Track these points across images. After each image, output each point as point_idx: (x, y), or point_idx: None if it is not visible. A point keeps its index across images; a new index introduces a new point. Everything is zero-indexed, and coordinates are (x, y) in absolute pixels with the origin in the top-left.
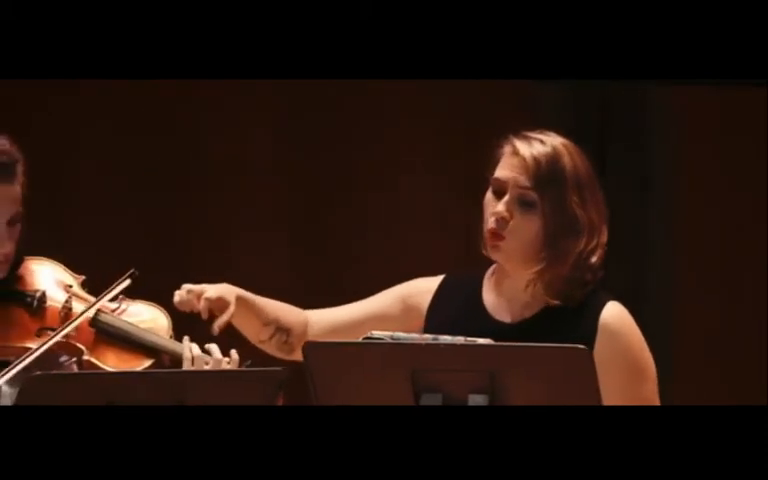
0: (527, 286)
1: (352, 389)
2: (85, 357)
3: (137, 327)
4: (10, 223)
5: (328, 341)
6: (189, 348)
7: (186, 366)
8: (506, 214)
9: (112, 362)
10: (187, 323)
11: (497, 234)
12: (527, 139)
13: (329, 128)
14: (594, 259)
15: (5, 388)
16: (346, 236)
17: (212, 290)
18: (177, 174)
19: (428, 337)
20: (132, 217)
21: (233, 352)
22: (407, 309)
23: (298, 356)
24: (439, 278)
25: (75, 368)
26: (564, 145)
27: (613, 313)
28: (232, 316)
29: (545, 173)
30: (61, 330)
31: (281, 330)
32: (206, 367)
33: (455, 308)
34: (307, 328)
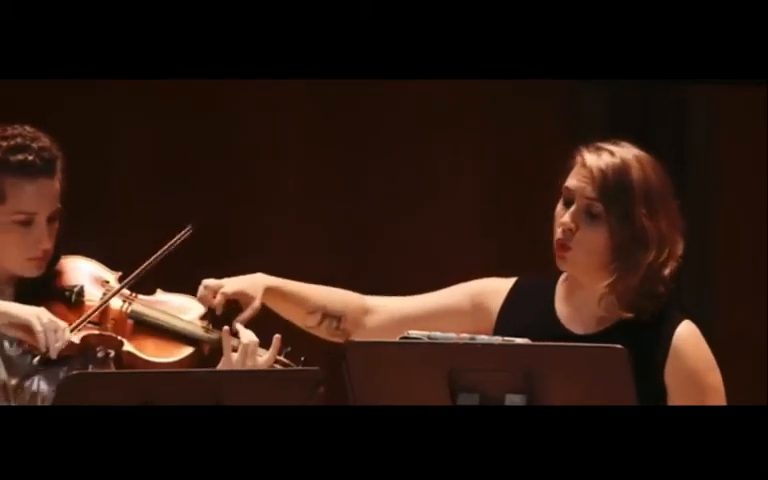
0: (600, 299)
1: (389, 389)
2: (125, 348)
3: (175, 317)
4: (50, 220)
5: (368, 341)
6: (228, 337)
7: (225, 355)
8: (572, 225)
9: (151, 352)
10: (225, 313)
11: (563, 245)
12: (597, 150)
13: (366, 124)
14: (666, 271)
15: (43, 386)
16: (383, 229)
17: (230, 285)
18: (213, 167)
19: (465, 336)
20: (168, 211)
21: (276, 337)
22: (477, 308)
23: (357, 339)
24: (511, 280)
25: (112, 363)
26: (636, 157)
27: (686, 334)
28: (256, 311)
29: (611, 185)
30: (100, 306)
31: (330, 317)
32: (237, 356)
33: (528, 315)
34: (367, 315)
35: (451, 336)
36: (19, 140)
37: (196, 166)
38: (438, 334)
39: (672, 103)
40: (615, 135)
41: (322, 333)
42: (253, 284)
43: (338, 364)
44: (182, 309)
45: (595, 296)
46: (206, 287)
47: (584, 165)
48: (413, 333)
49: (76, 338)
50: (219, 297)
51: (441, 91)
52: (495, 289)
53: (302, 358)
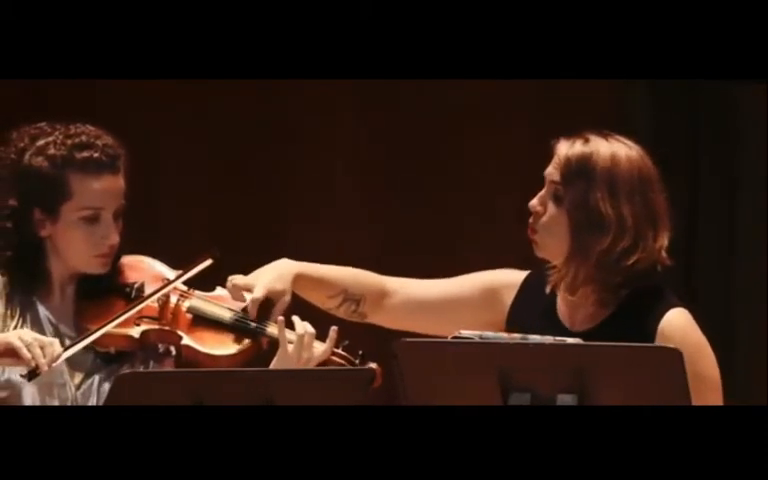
0: (556, 284)
1: (441, 388)
2: (183, 342)
3: (233, 310)
4: (115, 216)
5: (419, 340)
6: (283, 330)
7: (282, 347)
8: (539, 208)
9: (210, 345)
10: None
11: (531, 228)
12: (574, 138)
13: (413, 121)
14: (627, 261)
15: (105, 383)
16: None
17: (259, 289)
18: (269, 165)
19: (517, 336)
20: (225, 210)
21: (332, 329)
22: (491, 300)
23: (372, 321)
24: (524, 274)
25: (173, 359)
26: (612, 147)
27: (672, 322)
28: (287, 304)
29: (573, 168)
30: (134, 306)
31: (350, 300)
32: (292, 348)
33: (534, 311)
34: (385, 298)
35: (502, 336)
36: (84, 138)
37: (256, 160)
38: (489, 334)
39: (719, 102)
40: (661, 134)
41: (340, 314)
42: (281, 277)
43: (389, 364)
44: (240, 304)
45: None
46: (234, 286)
47: (557, 152)
48: (465, 332)
49: (136, 334)
50: (251, 306)
51: (488, 89)
52: (508, 283)
53: (360, 352)
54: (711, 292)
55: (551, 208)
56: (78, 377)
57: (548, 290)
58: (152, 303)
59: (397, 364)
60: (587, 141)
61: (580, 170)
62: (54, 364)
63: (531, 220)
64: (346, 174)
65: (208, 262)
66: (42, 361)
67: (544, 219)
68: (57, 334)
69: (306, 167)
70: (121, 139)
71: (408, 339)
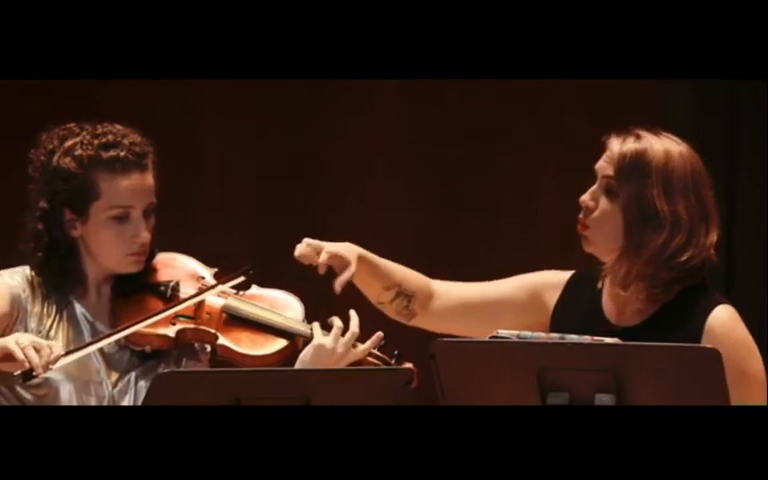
0: (604, 277)
1: (478, 388)
2: (219, 342)
3: (269, 310)
4: (146, 214)
5: (457, 340)
6: (319, 331)
7: (317, 340)
8: (591, 203)
9: (246, 345)
10: (319, 310)
11: (582, 223)
12: (626, 134)
13: (461, 122)
14: (681, 258)
15: (141, 381)
16: (475, 224)
17: (333, 246)
18: (306, 164)
19: (555, 336)
20: (262, 208)
21: (378, 334)
22: (535, 301)
23: (417, 323)
24: (568, 274)
25: (209, 357)
26: (665, 145)
27: (719, 319)
28: (353, 275)
29: (628, 163)
30: (168, 309)
31: (403, 295)
32: (329, 340)
33: (578, 310)
34: (432, 299)
35: (540, 335)
36: (110, 137)
37: (292, 159)
38: (527, 333)
39: (760, 100)
40: (701, 131)
41: (391, 311)
42: (348, 249)
43: (428, 364)
44: (276, 304)
45: (609, 284)
46: (309, 245)
47: (609, 147)
48: (502, 332)
49: (172, 333)
50: (324, 256)
51: (527, 88)
52: (552, 283)
53: (395, 352)
54: (749, 291)
55: (604, 203)
56: (115, 375)
57: (600, 285)
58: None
59: (435, 364)
60: (639, 137)
61: (635, 166)
62: (56, 366)
63: (581, 215)
64: (383, 172)
65: (242, 279)
66: (36, 362)
67: (596, 214)
68: (94, 332)
69: (343, 164)
70: (157, 137)
71: (446, 339)
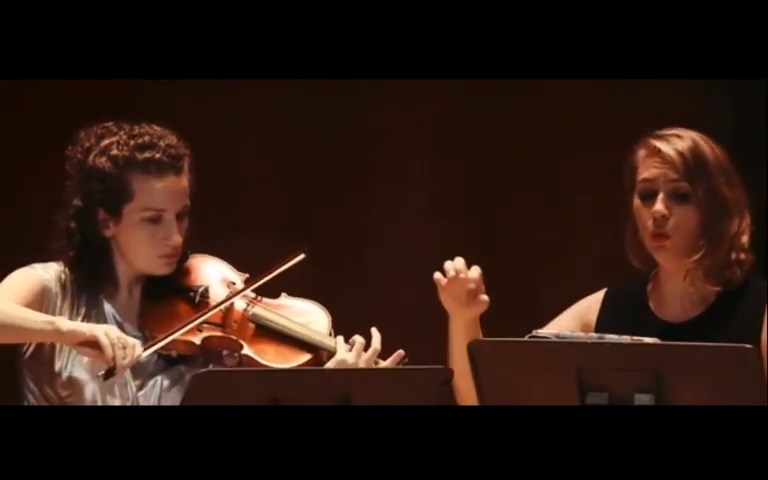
0: (685, 276)
1: (517, 387)
2: (244, 352)
3: (296, 323)
4: (179, 217)
5: (496, 340)
6: (343, 346)
7: (339, 355)
8: (665, 211)
9: (270, 357)
10: (346, 320)
11: (661, 234)
12: (663, 137)
13: (494, 125)
14: (745, 239)
15: (165, 384)
16: (512, 232)
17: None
18: (340, 170)
19: (594, 336)
20: (296, 215)
21: (399, 352)
22: (584, 326)
23: None
24: (601, 292)
25: (235, 363)
26: (700, 136)
27: None
28: (486, 304)
29: (692, 163)
30: (212, 309)
31: None
32: (351, 355)
33: (623, 317)
34: None
35: (579, 335)
36: (146, 138)
37: (325, 168)
38: (566, 333)
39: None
40: (743, 134)
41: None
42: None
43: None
44: (304, 314)
45: (682, 279)
46: (457, 272)
47: (657, 153)
48: (541, 332)
49: (198, 340)
50: (475, 272)
51: (567, 88)
52: (591, 304)
53: (405, 360)
54: None
55: (677, 208)
56: (139, 377)
57: (649, 288)
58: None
59: (473, 364)
60: (680, 137)
61: (697, 163)
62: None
63: (654, 227)
64: (426, 172)
65: (301, 256)
66: (120, 363)
67: (675, 220)
68: (122, 332)
69: (384, 165)
70: (195, 137)
71: (484, 339)
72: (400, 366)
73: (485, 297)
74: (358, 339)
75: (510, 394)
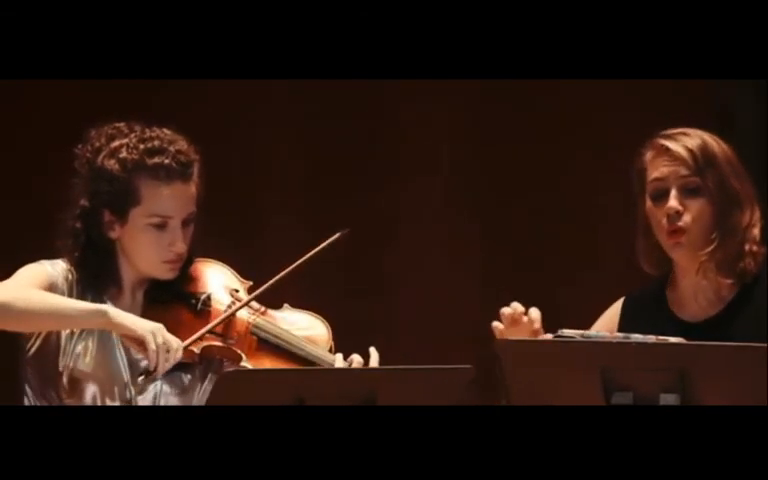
0: (698, 270)
1: (543, 386)
2: (243, 363)
3: (297, 337)
4: (185, 223)
5: (522, 339)
6: (342, 364)
7: None
8: (679, 207)
9: None
10: (346, 334)
11: (677, 230)
12: (670, 136)
13: (513, 126)
14: (756, 231)
15: (165, 388)
16: (533, 235)
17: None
18: (358, 175)
19: (619, 335)
20: (305, 221)
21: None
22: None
23: None
24: (619, 302)
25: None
26: (706, 133)
27: None
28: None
29: (701, 158)
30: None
31: None
32: None
33: (644, 321)
34: None
35: (604, 335)
36: (156, 143)
37: (342, 170)
38: (591, 333)
39: None
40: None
41: None
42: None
43: (491, 363)
44: (305, 328)
45: (697, 275)
46: (515, 315)
47: (665, 152)
48: (566, 332)
49: (197, 349)
50: (537, 326)
51: (592, 89)
52: (610, 317)
53: None
54: None
55: (691, 203)
56: (140, 382)
57: (667, 290)
58: (218, 317)
59: (499, 364)
60: (687, 134)
61: (707, 158)
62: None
63: (669, 224)
64: (452, 173)
65: (337, 236)
66: (161, 367)
67: (690, 215)
68: None
69: (411, 167)
70: (215, 138)
71: (510, 339)
72: (427, 366)
73: (549, 336)
74: (356, 358)
75: (536, 393)
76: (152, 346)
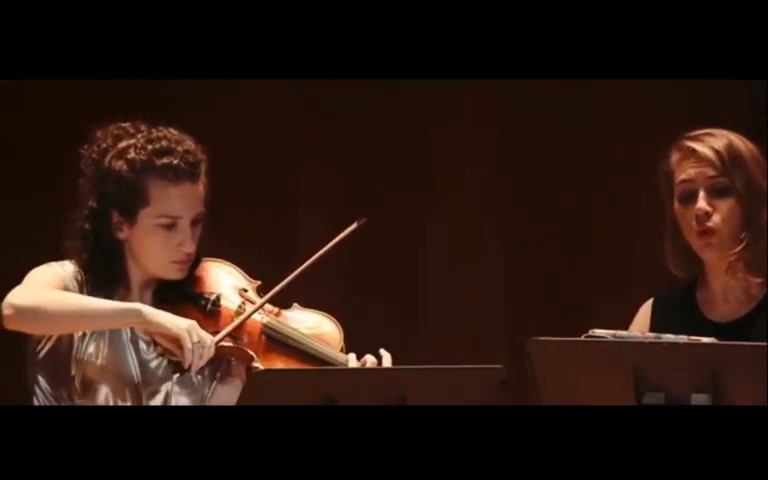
0: (727, 270)
1: (574, 386)
2: (254, 364)
3: (308, 337)
4: (194, 223)
5: (553, 339)
6: (355, 364)
7: None
8: (708, 208)
9: None
10: (358, 334)
11: (707, 231)
12: (696, 138)
13: (541, 128)
14: None
15: (176, 388)
16: (564, 238)
17: None
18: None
19: (651, 335)
20: (318, 220)
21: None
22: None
23: None
24: (648, 303)
25: (243, 373)
26: (732, 133)
27: None
28: None
29: (727, 158)
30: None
31: None
32: None
33: (674, 322)
34: None
35: (636, 335)
36: (164, 143)
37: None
38: (623, 333)
39: None
40: None
41: None
42: None
43: (521, 362)
44: (315, 327)
45: (726, 275)
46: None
47: (692, 153)
48: (598, 332)
49: None
50: None
51: (629, 90)
52: (642, 318)
53: None
54: None
55: (719, 203)
56: (150, 382)
57: (696, 291)
58: (228, 318)
59: (530, 363)
60: (714, 135)
61: (734, 158)
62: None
63: (699, 225)
64: (477, 176)
65: (354, 226)
66: (194, 365)
67: (719, 216)
68: (133, 336)
69: (438, 169)
70: (211, 144)
71: (542, 338)
72: (458, 366)
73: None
74: (370, 359)
75: (567, 393)
76: (188, 345)
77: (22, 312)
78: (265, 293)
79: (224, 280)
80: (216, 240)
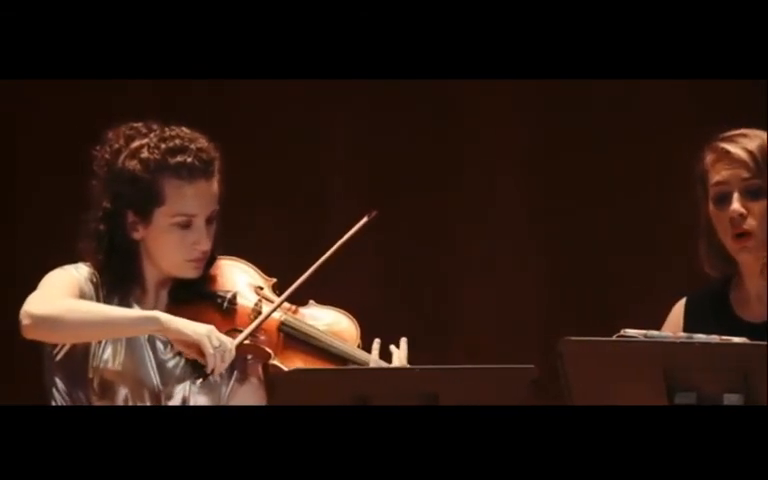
0: (761, 271)
1: (605, 387)
2: (272, 361)
3: (325, 334)
4: (209, 221)
5: (585, 339)
6: (378, 363)
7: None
8: (743, 210)
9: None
10: (374, 332)
11: (744, 233)
12: (729, 139)
13: (580, 129)
14: None
15: (194, 389)
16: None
17: None
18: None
19: (682, 335)
20: (327, 220)
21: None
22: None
23: None
24: (682, 301)
25: (260, 371)
26: (766, 134)
27: None
28: None
29: (761, 159)
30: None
31: None
32: None
33: (707, 321)
34: None
35: (668, 335)
36: (177, 142)
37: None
38: (655, 333)
39: None
40: None
41: None
42: None
43: (553, 362)
44: (332, 324)
45: (760, 276)
46: None
47: (726, 155)
48: (629, 332)
49: None
50: None
51: (663, 90)
52: (676, 318)
53: None
54: None
55: (753, 205)
56: (168, 382)
57: (731, 291)
58: (245, 316)
59: (562, 363)
60: (748, 136)
61: (766, 160)
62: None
63: (733, 228)
64: (510, 176)
65: (364, 220)
66: (219, 367)
67: (754, 218)
68: (149, 337)
69: (469, 167)
70: (226, 143)
71: (573, 337)
72: (490, 366)
73: None
74: (393, 349)
75: (598, 393)
76: (209, 350)
77: (40, 322)
78: (281, 290)
79: (240, 278)
80: (229, 238)
